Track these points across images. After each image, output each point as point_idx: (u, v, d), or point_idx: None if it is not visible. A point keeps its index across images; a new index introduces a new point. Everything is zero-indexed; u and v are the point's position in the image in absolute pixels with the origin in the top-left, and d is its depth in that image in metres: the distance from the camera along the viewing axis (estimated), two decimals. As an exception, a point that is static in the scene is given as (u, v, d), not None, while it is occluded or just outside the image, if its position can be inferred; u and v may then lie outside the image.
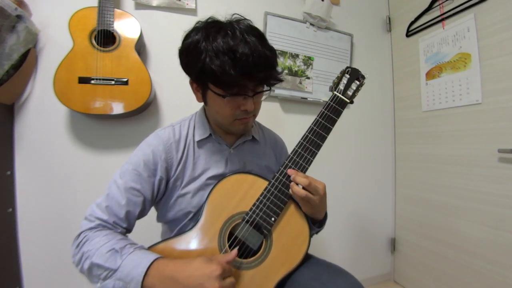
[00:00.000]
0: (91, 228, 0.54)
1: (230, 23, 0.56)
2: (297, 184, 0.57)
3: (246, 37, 0.52)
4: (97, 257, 0.48)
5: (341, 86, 0.63)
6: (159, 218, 0.70)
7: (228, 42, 0.51)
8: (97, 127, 1.07)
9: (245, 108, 0.58)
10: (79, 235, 0.54)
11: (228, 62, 0.51)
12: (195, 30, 0.57)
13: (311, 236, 0.63)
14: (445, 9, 1.32)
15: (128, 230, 0.60)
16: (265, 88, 0.61)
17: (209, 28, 0.55)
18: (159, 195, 0.64)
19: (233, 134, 0.70)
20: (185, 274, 0.46)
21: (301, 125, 1.36)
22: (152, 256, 0.49)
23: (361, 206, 1.59)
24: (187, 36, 0.58)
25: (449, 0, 1.30)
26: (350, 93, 0.63)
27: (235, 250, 0.52)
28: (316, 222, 0.65)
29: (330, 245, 1.51)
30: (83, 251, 0.50)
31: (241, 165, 0.70)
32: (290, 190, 0.57)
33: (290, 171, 0.58)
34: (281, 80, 0.62)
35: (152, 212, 0.68)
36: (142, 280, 0.45)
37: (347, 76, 0.64)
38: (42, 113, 1.01)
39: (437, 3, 1.36)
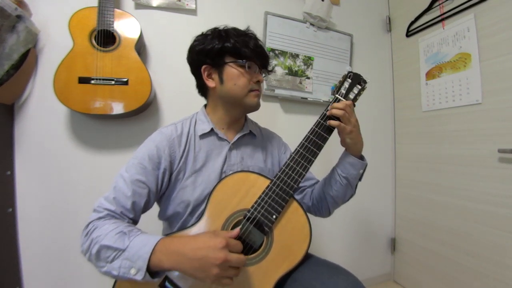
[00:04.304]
0: (99, 218, 0.56)
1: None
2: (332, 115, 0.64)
3: (248, 32, 0.70)
4: (106, 240, 0.50)
5: (343, 90, 0.66)
6: (161, 214, 0.72)
7: (239, 31, 0.69)
8: (97, 127, 1.07)
9: (257, 79, 0.69)
10: (88, 225, 0.56)
11: (244, 40, 0.67)
12: (206, 32, 0.70)
13: (355, 186, 0.72)
14: (445, 9, 1.33)
15: (135, 221, 0.62)
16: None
17: (220, 27, 0.70)
18: (163, 187, 0.66)
19: (236, 125, 0.75)
20: (191, 247, 0.48)
21: (301, 125, 1.36)
22: (159, 236, 0.51)
23: (361, 206, 1.59)
24: (198, 36, 0.71)
25: (449, 0, 1.30)
26: (351, 96, 0.67)
27: (237, 228, 0.55)
28: (357, 156, 0.69)
29: (330, 244, 1.51)
30: (92, 238, 0.52)
31: (239, 159, 0.72)
32: (329, 112, 0.64)
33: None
34: (272, 70, 0.82)
35: (153, 211, 0.68)
36: (149, 257, 0.47)
37: (349, 80, 0.67)
38: (42, 113, 1.00)
39: (437, 3, 1.36)
